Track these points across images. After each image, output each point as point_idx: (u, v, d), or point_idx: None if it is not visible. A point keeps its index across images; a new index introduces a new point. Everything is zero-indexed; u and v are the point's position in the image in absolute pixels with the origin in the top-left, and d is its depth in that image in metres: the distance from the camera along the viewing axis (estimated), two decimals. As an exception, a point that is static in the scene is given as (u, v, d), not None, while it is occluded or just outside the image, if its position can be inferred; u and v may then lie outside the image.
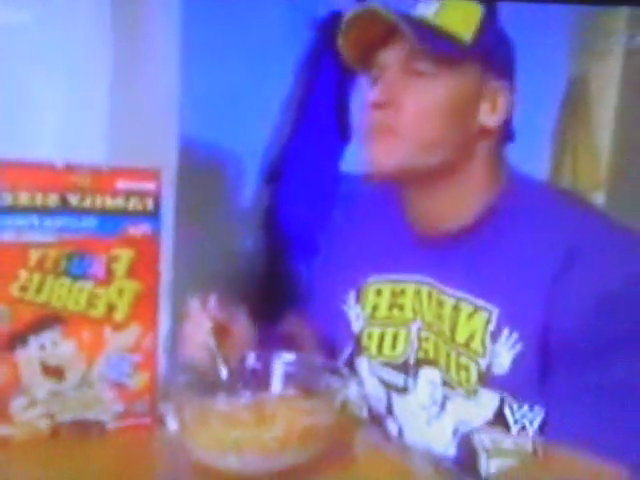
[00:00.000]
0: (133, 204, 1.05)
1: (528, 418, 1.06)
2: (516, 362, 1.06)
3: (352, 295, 1.29)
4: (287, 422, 0.97)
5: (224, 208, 2.50)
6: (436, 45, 1.08)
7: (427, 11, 1.12)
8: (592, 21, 3.68)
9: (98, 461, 1.02)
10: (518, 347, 1.06)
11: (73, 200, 1.02)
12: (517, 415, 1.06)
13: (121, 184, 1.04)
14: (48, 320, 1.01)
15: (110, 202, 1.04)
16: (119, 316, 1.05)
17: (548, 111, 3.62)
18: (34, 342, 1.01)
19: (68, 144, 1.26)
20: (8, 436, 1.01)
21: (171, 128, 1.96)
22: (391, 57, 1.12)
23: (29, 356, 1.01)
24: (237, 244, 2.56)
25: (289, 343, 1.24)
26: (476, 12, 1.13)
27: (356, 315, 1.28)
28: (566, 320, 1.02)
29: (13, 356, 1.00)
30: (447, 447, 1.16)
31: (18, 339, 1.00)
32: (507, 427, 1.09)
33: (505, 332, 1.07)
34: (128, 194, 1.05)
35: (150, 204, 1.06)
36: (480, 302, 1.10)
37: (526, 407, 1.06)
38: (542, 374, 1.05)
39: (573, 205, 1.15)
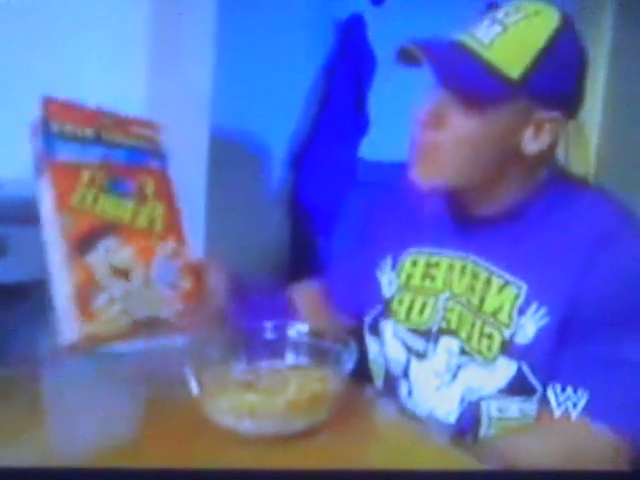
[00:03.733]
0: (146, 145, 1.10)
1: (572, 400, 1.02)
2: (540, 333, 1.04)
3: (389, 262, 1.25)
4: (298, 389, 0.95)
5: (254, 189, 2.47)
6: (477, 87, 1.02)
7: (485, 37, 1.02)
8: (581, 18, 3.62)
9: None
10: (545, 320, 1.03)
11: (105, 135, 1.05)
12: (561, 398, 1.02)
13: (135, 129, 1.10)
14: (107, 228, 1.01)
15: (131, 141, 1.08)
16: (158, 228, 1.07)
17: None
18: (101, 246, 0.99)
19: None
20: (94, 333, 0.97)
21: (203, 115, 1.91)
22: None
23: (99, 258, 0.99)
24: (265, 221, 2.52)
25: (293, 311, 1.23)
26: (537, 39, 1.01)
27: (389, 281, 1.25)
28: (593, 299, 1.01)
29: (85, 259, 0.98)
30: (450, 414, 1.13)
31: (86, 244, 0.98)
32: (518, 395, 1.06)
33: (533, 306, 1.04)
34: (141, 137, 1.10)
35: (158, 147, 1.12)
36: (511, 278, 1.07)
37: (570, 390, 1.02)
38: (559, 345, 1.03)
39: (605, 197, 1.12)
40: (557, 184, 1.11)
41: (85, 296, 0.96)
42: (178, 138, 1.65)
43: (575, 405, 1.01)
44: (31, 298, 1.29)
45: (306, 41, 2.46)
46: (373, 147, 2.67)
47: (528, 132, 1.04)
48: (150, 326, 1.02)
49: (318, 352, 1.04)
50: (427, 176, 1.09)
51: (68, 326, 0.95)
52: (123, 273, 1.01)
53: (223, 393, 0.93)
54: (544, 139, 1.04)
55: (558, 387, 1.02)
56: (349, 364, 0.98)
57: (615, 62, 3.66)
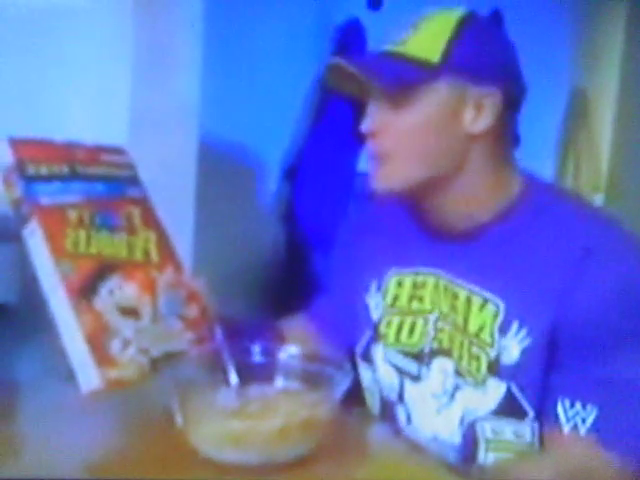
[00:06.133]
0: (121, 173, 1.11)
1: (581, 416, 1.02)
2: (524, 354, 1.05)
3: (374, 285, 1.27)
4: (287, 414, 0.93)
5: (246, 202, 2.45)
6: (401, 77, 1.08)
7: (397, 39, 1.11)
8: (592, 33, 3.64)
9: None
10: (527, 341, 1.05)
11: (80, 169, 1.05)
12: (570, 413, 1.03)
13: (107, 158, 1.10)
14: (106, 268, 1.00)
15: (106, 172, 1.09)
16: (155, 259, 1.07)
17: (553, 119, 3.60)
18: (103, 289, 0.99)
19: (91, 138, 1.23)
20: (117, 378, 0.96)
21: (191, 124, 1.89)
22: (372, 90, 1.12)
23: (104, 302, 0.98)
24: (256, 237, 2.50)
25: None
26: (446, 28, 1.09)
27: (376, 304, 1.26)
28: (577, 318, 1.01)
29: (91, 305, 0.97)
30: (453, 436, 1.13)
31: (89, 289, 0.98)
32: (510, 417, 1.07)
33: (514, 326, 1.06)
34: (114, 166, 1.11)
35: (133, 174, 1.13)
36: (489, 295, 1.09)
37: (579, 405, 1.02)
38: (548, 367, 1.04)
39: (587, 211, 1.16)
40: (535, 198, 1.13)
41: (99, 343, 0.96)
42: (166, 152, 1.64)
43: (584, 421, 1.01)
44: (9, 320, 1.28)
45: (302, 48, 2.46)
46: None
47: (469, 112, 1.08)
48: (168, 361, 1.02)
49: (309, 376, 1.02)
50: (384, 181, 1.13)
51: (88, 374, 0.94)
52: (132, 312, 1.01)
53: (207, 420, 0.92)
54: (486, 116, 1.09)
55: (567, 402, 1.03)
56: (342, 388, 0.97)
57: (627, 76, 3.69)
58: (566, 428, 1.02)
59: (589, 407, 1.01)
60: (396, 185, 1.12)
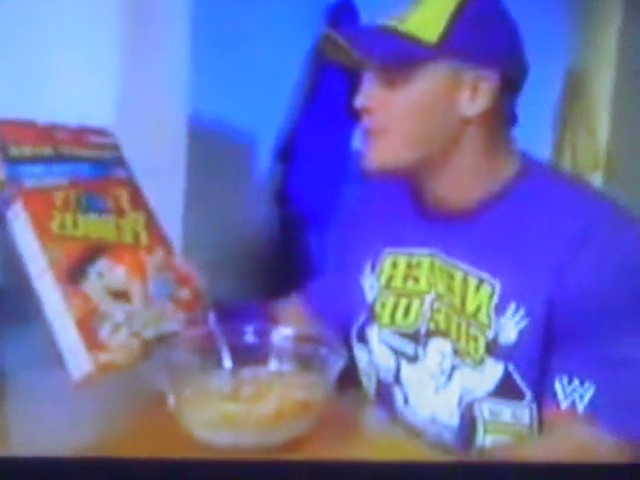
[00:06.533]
0: (107, 155, 1.11)
1: (578, 393, 1.02)
2: (522, 335, 1.05)
3: (368, 266, 1.27)
4: (281, 397, 0.94)
5: (238, 182, 2.44)
6: (394, 53, 1.08)
7: (401, 15, 1.10)
8: (589, 12, 3.64)
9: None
10: (525, 321, 1.05)
11: (65, 151, 1.05)
12: (568, 390, 1.03)
13: (92, 139, 1.10)
14: (94, 251, 1.00)
15: (91, 153, 1.09)
16: (144, 241, 1.07)
17: (549, 98, 3.59)
18: (92, 272, 0.98)
19: (78, 117, 1.22)
20: (108, 363, 0.95)
21: (180, 103, 1.89)
22: (366, 65, 1.12)
23: (93, 285, 0.98)
24: (249, 218, 2.49)
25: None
26: (448, 7, 1.08)
27: (370, 285, 1.26)
28: (575, 297, 1.01)
29: (80, 288, 0.97)
30: (451, 416, 1.14)
31: (77, 272, 0.97)
32: (508, 399, 1.07)
33: (512, 306, 1.06)
34: (100, 147, 1.11)
35: (119, 155, 1.13)
36: (485, 275, 1.09)
37: (577, 382, 1.02)
38: (546, 347, 1.04)
39: (584, 191, 1.15)
40: (532, 178, 1.13)
41: (90, 327, 0.95)
42: (154, 131, 1.63)
43: (582, 397, 1.01)
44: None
45: (295, 25, 2.43)
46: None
47: (464, 94, 1.08)
48: (160, 343, 1.02)
49: (303, 357, 1.02)
50: (376, 157, 1.13)
51: (79, 359, 0.93)
52: (122, 295, 1.00)
53: (201, 403, 0.92)
54: (482, 99, 1.09)
55: (565, 379, 1.03)
56: (337, 369, 0.97)
57: (624, 55, 3.68)
58: (564, 405, 1.02)
59: (587, 384, 1.01)
60: (388, 163, 1.12)
